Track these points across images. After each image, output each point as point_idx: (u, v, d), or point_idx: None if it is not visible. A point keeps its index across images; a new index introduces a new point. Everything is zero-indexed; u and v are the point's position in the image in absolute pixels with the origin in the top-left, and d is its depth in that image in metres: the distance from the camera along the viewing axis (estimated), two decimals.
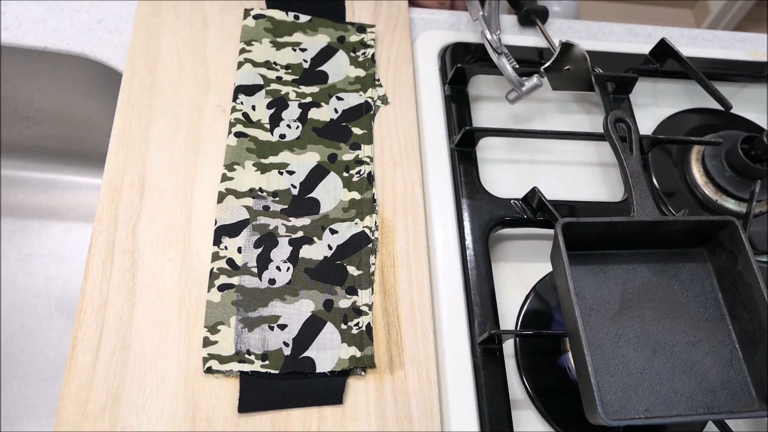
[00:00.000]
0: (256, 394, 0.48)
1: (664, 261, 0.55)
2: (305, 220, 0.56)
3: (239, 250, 0.54)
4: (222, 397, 0.48)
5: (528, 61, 0.69)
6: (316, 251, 0.55)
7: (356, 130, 0.61)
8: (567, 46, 0.64)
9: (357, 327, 0.52)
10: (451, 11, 0.75)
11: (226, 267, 0.53)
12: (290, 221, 0.56)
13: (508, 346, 0.54)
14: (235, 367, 0.49)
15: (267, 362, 0.49)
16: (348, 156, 0.60)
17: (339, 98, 0.63)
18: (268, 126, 0.60)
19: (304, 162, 0.59)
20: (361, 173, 0.59)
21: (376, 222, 0.57)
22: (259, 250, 0.54)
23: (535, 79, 0.62)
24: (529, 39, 0.72)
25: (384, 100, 0.64)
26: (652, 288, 0.53)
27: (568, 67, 0.65)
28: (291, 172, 0.58)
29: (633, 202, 0.53)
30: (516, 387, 0.53)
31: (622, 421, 0.46)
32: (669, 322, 0.52)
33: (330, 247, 0.55)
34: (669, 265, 0.55)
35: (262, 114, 0.60)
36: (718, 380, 0.50)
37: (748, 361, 0.51)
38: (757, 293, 0.50)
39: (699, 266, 0.55)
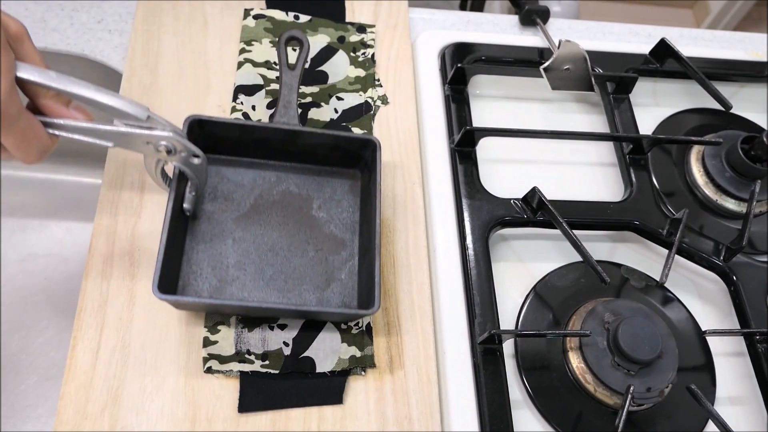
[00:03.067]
0: (256, 394, 0.48)
1: (315, 175, 0.57)
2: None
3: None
4: (222, 397, 0.48)
5: (528, 61, 0.69)
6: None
7: (356, 130, 0.61)
8: (567, 46, 0.64)
9: (357, 327, 0.52)
10: (451, 11, 0.75)
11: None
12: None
13: (508, 346, 0.54)
14: (235, 367, 0.49)
15: (267, 362, 0.49)
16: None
17: (339, 98, 0.63)
18: None
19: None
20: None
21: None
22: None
23: None
24: (530, 39, 0.72)
25: (384, 100, 0.64)
26: (289, 198, 0.56)
27: (567, 66, 0.65)
28: None
29: (277, 112, 0.55)
30: (516, 387, 0.53)
31: (172, 297, 0.47)
32: (293, 230, 0.54)
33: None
34: (319, 179, 0.57)
35: (262, 114, 0.60)
36: (333, 289, 0.53)
37: (359, 271, 0.53)
38: (372, 208, 0.53)
39: (347, 184, 0.58)
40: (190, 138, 0.50)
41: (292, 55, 0.64)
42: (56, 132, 0.43)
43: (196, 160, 0.47)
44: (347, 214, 0.56)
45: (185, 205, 0.50)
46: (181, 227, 0.51)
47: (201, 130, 0.53)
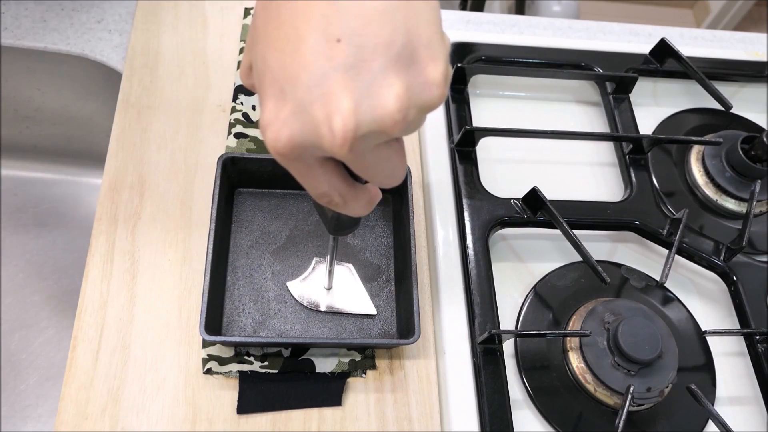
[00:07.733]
0: (255, 396, 0.48)
1: None
2: None
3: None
4: (222, 397, 0.48)
5: (528, 61, 0.69)
6: None
7: None
8: None
9: None
10: (451, 11, 0.75)
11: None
12: None
13: (508, 346, 0.54)
14: (235, 368, 0.49)
15: (266, 363, 0.49)
16: None
17: None
18: None
19: None
20: None
21: None
22: None
23: None
24: (530, 39, 0.71)
25: None
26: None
27: None
28: None
29: None
30: (516, 387, 0.53)
31: (219, 338, 0.47)
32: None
33: None
34: None
35: None
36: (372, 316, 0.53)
37: (396, 296, 0.53)
38: (406, 233, 0.53)
39: (379, 209, 0.57)
40: (223, 174, 0.52)
41: None
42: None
43: None
44: (381, 240, 0.56)
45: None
46: (222, 265, 0.51)
47: (234, 166, 0.53)
